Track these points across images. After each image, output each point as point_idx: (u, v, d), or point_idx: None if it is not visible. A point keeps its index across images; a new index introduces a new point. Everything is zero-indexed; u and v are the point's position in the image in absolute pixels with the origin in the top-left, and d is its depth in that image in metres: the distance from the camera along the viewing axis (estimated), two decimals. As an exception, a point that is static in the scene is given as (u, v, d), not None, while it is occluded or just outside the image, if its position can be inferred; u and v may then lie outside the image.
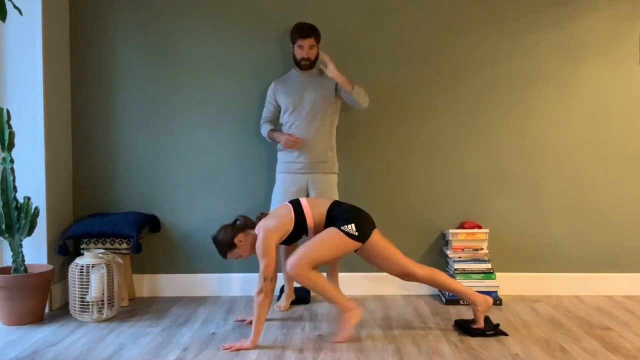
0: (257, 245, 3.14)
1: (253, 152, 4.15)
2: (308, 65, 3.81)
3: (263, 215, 3.35)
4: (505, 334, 3.26)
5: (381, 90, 4.12)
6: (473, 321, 3.33)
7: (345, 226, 3.16)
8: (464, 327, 3.31)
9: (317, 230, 3.27)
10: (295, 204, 3.29)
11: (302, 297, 3.93)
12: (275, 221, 3.22)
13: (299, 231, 3.27)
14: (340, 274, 3.99)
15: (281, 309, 3.79)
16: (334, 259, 3.37)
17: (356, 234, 3.17)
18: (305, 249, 3.15)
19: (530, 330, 3.36)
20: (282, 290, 3.98)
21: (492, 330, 3.26)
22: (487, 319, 3.32)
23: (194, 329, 3.41)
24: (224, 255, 3.29)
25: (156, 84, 4.14)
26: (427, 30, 4.12)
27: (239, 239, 3.25)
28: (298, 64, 3.83)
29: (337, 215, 3.23)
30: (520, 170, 4.15)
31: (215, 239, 3.29)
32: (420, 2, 4.11)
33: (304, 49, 3.75)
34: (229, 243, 3.24)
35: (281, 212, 3.28)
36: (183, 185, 4.16)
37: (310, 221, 3.25)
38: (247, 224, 3.30)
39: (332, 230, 3.18)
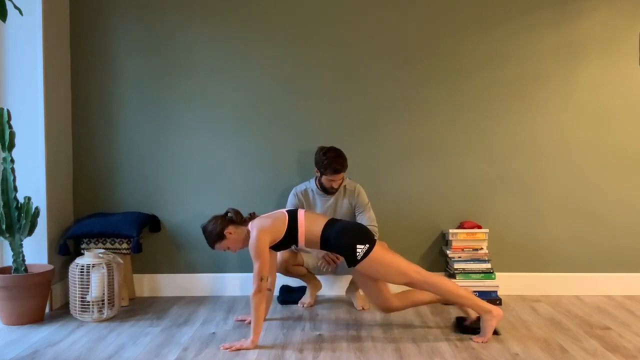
0: (251, 245, 3.14)
1: (253, 152, 4.16)
2: (334, 191, 3.78)
3: (253, 215, 3.35)
4: (497, 333, 3.27)
5: (381, 90, 4.13)
6: (465, 319, 3.34)
7: (358, 252, 3.15)
8: (461, 326, 3.33)
9: (308, 244, 3.26)
10: (292, 214, 3.27)
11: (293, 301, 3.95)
12: (271, 222, 3.21)
13: (289, 240, 3.26)
14: (340, 275, 3.99)
15: (305, 305, 3.85)
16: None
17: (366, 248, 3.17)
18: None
19: (530, 330, 3.37)
20: (282, 288, 3.99)
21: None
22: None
23: (194, 329, 3.41)
24: (212, 246, 3.28)
25: (156, 84, 4.14)
26: (427, 30, 4.12)
27: (229, 230, 3.24)
28: (324, 189, 3.78)
29: (333, 238, 3.19)
30: (520, 170, 4.16)
31: (204, 229, 3.29)
32: (419, 2, 4.11)
33: (334, 182, 3.72)
34: (218, 234, 3.23)
35: (277, 216, 3.27)
36: (183, 185, 4.17)
37: (301, 235, 3.23)
38: (237, 218, 3.30)
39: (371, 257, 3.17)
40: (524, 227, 4.16)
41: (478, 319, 3.25)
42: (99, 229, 3.84)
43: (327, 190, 3.77)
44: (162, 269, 4.18)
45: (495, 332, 3.27)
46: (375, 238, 3.32)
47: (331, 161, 3.67)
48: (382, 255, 3.18)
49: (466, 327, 3.30)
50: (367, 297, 3.40)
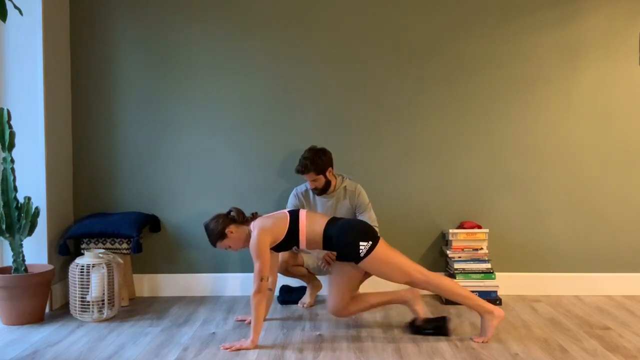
0: (252, 245, 3.14)
1: (253, 152, 4.16)
2: (319, 192, 3.79)
3: (255, 215, 3.35)
4: (446, 334, 3.24)
5: (381, 90, 4.13)
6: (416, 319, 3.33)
7: (361, 249, 3.15)
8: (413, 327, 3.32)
9: (310, 245, 3.25)
10: (293, 214, 3.27)
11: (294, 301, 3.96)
12: (272, 222, 3.22)
13: (290, 241, 3.25)
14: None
15: (305, 305, 3.86)
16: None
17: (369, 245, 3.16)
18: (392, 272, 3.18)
19: (530, 330, 3.37)
20: (282, 288, 3.99)
21: (431, 329, 3.26)
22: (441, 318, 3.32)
23: (194, 329, 3.41)
24: (213, 244, 3.28)
25: (156, 84, 4.14)
26: (427, 30, 4.12)
27: (230, 229, 3.24)
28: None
29: (336, 237, 3.19)
30: (520, 170, 4.16)
31: (207, 227, 3.29)
32: (419, 2, 4.11)
33: (309, 182, 3.77)
34: (219, 232, 3.23)
35: (278, 216, 3.27)
36: (183, 185, 4.17)
37: (302, 235, 3.23)
38: (239, 218, 3.30)
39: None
40: (524, 227, 4.17)
41: (428, 319, 3.29)
42: (98, 229, 3.84)
43: (314, 190, 3.78)
44: (162, 269, 4.18)
45: (443, 332, 3.24)
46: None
47: (298, 161, 3.72)
48: (386, 253, 3.18)
49: (418, 327, 3.29)
50: (329, 293, 3.35)
